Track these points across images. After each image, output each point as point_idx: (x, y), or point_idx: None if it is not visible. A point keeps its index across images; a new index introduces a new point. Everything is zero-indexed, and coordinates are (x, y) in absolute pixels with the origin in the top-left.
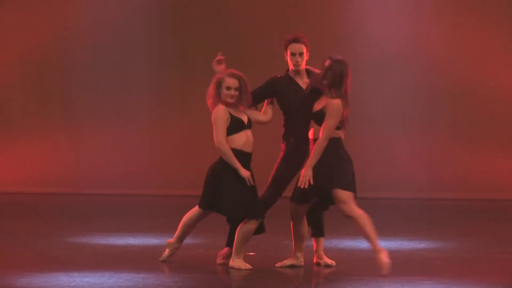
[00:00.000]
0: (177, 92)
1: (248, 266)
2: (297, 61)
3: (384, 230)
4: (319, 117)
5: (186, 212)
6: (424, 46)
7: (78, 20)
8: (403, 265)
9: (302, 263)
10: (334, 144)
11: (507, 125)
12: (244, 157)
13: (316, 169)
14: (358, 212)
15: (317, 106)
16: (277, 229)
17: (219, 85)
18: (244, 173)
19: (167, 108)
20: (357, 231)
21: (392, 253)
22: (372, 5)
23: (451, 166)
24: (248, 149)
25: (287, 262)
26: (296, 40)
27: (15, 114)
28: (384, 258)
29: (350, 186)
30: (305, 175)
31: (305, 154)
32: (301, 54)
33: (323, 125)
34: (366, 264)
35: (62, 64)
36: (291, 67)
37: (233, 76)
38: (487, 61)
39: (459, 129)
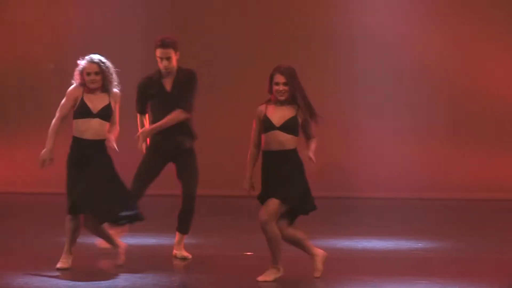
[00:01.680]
0: None
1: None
2: (165, 66)
3: (381, 230)
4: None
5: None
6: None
7: (80, 20)
8: (400, 265)
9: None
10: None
11: (506, 124)
12: (80, 143)
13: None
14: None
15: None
16: None
17: (82, 72)
18: (43, 154)
19: None
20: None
21: (389, 253)
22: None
23: (448, 166)
24: (85, 136)
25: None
26: (162, 45)
27: (11, 113)
28: (273, 274)
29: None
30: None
31: (167, 150)
32: (168, 58)
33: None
34: (364, 264)
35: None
36: (162, 69)
37: (92, 61)
38: (487, 59)
39: (458, 128)
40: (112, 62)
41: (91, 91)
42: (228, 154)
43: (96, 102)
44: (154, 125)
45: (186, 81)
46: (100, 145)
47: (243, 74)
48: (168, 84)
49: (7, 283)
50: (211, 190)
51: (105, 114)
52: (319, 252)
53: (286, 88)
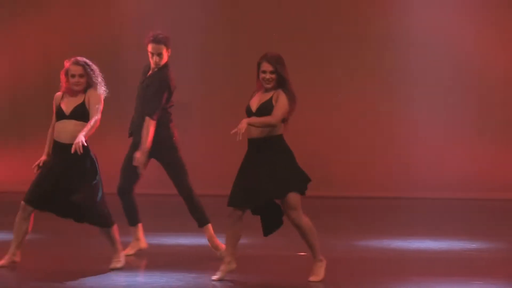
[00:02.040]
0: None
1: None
2: (155, 61)
3: (434, 231)
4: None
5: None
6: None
7: (128, 20)
8: (454, 265)
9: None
10: (281, 142)
11: None
12: (57, 146)
13: (269, 174)
14: (305, 220)
15: (256, 102)
16: (328, 229)
17: (67, 74)
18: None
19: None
20: (302, 238)
21: (442, 253)
22: None
23: (501, 166)
24: (60, 139)
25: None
26: (154, 40)
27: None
28: (322, 271)
29: (304, 187)
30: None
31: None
32: (159, 54)
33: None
34: (417, 264)
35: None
36: (152, 64)
37: (77, 63)
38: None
39: (509, 128)
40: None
41: (74, 93)
42: None
43: (69, 104)
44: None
45: (151, 83)
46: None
47: (301, 75)
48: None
49: (62, 282)
50: None
51: (78, 114)
52: (233, 262)
53: (273, 76)
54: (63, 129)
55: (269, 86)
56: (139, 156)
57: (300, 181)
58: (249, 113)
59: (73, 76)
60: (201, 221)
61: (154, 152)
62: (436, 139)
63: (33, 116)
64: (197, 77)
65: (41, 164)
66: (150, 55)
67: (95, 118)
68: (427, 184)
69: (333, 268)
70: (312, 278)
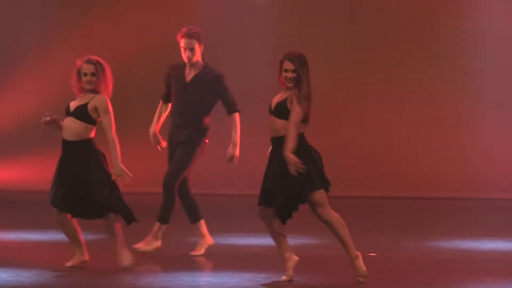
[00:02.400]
0: None
1: None
2: (188, 56)
3: (506, 231)
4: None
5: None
6: None
7: (199, 19)
8: None
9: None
10: (302, 141)
11: None
12: (63, 143)
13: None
14: (335, 216)
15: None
16: (398, 229)
17: (79, 72)
18: None
19: None
20: (333, 235)
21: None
22: None
23: None
24: (65, 136)
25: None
26: (187, 35)
27: (135, 112)
28: (362, 265)
29: (326, 183)
30: (292, 164)
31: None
32: (191, 49)
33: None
34: (489, 265)
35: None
36: (184, 60)
37: (89, 62)
38: None
39: None
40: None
41: (85, 92)
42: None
43: (75, 102)
44: (236, 143)
45: (210, 83)
46: (78, 146)
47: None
48: (189, 75)
49: (133, 283)
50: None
51: (78, 113)
52: (292, 256)
53: (294, 75)
54: (65, 126)
55: (291, 85)
56: (233, 151)
57: (323, 178)
58: (270, 111)
59: (85, 74)
60: (162, 219)
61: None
62: (502, 140)
63: None
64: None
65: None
66: (182, 50)
67: (112, 139)
68: (496, 185)
69: (405, 268)
70: (360, 279)
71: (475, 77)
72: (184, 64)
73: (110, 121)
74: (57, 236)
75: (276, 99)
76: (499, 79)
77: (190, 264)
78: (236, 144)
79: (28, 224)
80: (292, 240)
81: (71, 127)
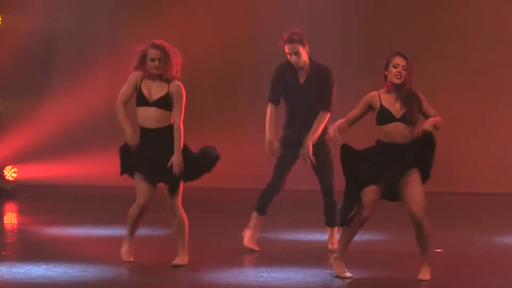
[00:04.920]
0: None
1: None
2: (295, 60)
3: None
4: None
5: None
6: None
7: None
8: None
9: None
10: None
11: None
12: (143, 132)
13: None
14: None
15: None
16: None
17: (143, 57)
18: (129, 140)
19: None
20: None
21: None
22: None
23: None
24: (147, 125)
25: None
26: (288, 40)
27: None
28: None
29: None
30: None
31: (297, 141)
32: (296, 53)
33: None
34: None
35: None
36: (294, 64)
37: (156, 47)
38: None
39: None
40: None
41: (151, 77)
42: None
43: (152, 91)
44: (312, 136)
45: (321, 79)
46: (162, 132)
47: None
48: (301, 76)
49: (199, 278)
50: None
51: (162, 103)
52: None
53: (404, 72)
54: (148, 116)
55: (399, 81)
56: (305, 151)
57: None
58: (392, 118)
59: (152, 60)
60: (331, 223)
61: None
62: None
63: None
64: None
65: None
66: (288, 55)
67: (178, 127)
68: None
69: (479, 263)
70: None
71: None
72: (292, 65)
73: (180, 109)
74: (122, 231)
75: (396, 106)
76: None
77: (254, 260)
78: (309, 145)
79: (93, 219)
80: (358, 236)
81: (155, 117)
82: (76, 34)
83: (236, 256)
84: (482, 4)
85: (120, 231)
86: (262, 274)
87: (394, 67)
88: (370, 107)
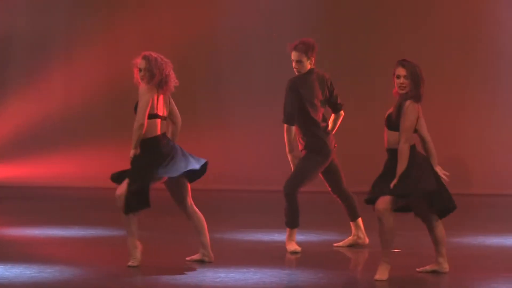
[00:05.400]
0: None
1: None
2: (296, 68)
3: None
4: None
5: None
6: None
7: (225, 20)
8: None
9: (446, 270)
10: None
11: None
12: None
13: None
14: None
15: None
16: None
17: (135, 67)
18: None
19: None
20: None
21: None
22: None
23: None
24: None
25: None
26: (295, 48)
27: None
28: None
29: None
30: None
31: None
32: (299, 61)
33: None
34: (501, 261)
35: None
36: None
37: (142, 57)
38: None
39: None
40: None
41: None
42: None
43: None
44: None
45: (327, 85)
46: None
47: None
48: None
49: (156, 278)
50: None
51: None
52: (442, 264)
53: (407, 81)
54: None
55: (403, 91)
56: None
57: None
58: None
59: (139, 70)
60: (353, 215)
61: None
62: None
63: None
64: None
65: None
66: (293, 63)
67: (136, 123)
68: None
69: (426, 263)
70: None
71: None
72: (301, 76)
73: (140, 107)
74: (81, 232)
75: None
76: None
77: (213, 260)
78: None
79: (51, 220)
80: (316, 236)
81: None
82: (32, 35)
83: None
84: None
85: (77, 232)
86: (220, 275)
87: (397, 78)
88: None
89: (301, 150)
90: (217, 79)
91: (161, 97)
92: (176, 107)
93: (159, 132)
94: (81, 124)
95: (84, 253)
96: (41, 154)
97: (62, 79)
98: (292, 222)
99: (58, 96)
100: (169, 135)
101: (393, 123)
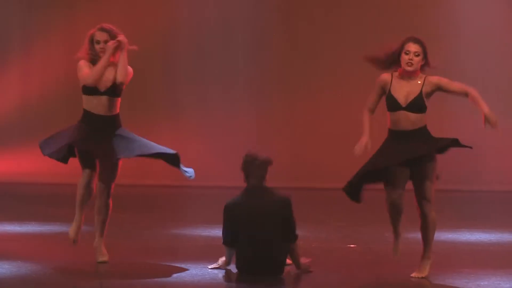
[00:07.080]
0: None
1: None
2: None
3: (484, 223)
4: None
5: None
6: None
7: (181, 16)
8: (504, 258)
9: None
10: None
11: None
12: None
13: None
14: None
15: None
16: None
17: (91, 40)
18: None
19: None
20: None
21: (492, 246)
22: None
23: None
24: (101, 112)
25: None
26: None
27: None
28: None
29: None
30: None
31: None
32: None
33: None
34: (467, 257)
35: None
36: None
37: (102, 29)
38: None
39: None
40: None
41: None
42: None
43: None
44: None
45: None
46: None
47: None
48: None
49: (113, 274)
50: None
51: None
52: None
53: (417, 59)
54: (103, 104)
55: (411, 69)
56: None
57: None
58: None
59: (98, 42)
60: None
61: None
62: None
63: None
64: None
65: None
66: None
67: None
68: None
69: (382, 260)
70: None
71: None
72: None
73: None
74: (38, 228)
75: (403, 92)
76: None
77: (170, 256)
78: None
79: (7, 216)
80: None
81: (107, 104)
82: None
83: (151, 253)
84: None
85: (34, 227)
86: (176, 271)
87: (406, 53)
88: (383, 90)
89: None
90: (172, 72)
91: None
92: None
93: None
94: (37, 120)
95: (41, 249)
96: None
97: (19, 73)
98: None
99: (15, 91)
100: None
101: (419, 105)
